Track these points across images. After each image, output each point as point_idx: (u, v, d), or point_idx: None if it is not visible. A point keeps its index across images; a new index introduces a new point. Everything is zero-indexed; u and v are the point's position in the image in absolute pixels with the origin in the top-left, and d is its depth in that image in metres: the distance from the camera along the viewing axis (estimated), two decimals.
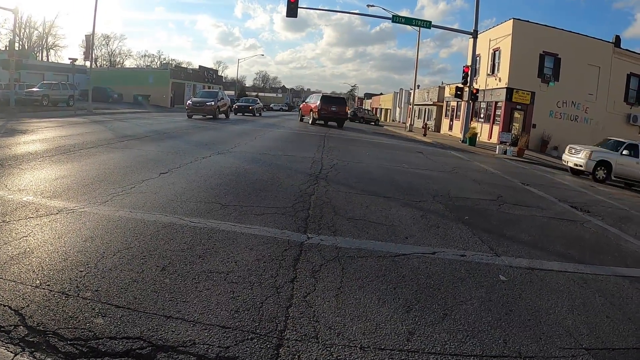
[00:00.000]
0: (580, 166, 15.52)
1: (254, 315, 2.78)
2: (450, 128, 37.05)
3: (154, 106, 38.83)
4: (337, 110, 25.87)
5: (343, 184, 7.53)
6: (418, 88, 46.46)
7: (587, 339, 3.04)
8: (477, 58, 29.12)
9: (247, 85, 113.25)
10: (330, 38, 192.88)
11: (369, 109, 71.00)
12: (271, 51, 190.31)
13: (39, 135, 11.11)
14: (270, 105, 72.13)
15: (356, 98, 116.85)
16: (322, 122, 26.44)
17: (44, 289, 2.86)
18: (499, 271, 4.16)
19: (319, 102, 25.72)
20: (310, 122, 27.17)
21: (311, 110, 27.10)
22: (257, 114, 36.94)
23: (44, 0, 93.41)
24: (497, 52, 28.36)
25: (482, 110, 30.48)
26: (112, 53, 75.93)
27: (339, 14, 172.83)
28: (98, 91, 37.18)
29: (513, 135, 23.17)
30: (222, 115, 26.69)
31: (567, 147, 16.78)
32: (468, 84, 24.68)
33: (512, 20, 26.88)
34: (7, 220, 4.15)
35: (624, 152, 15.66)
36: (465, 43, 30.69)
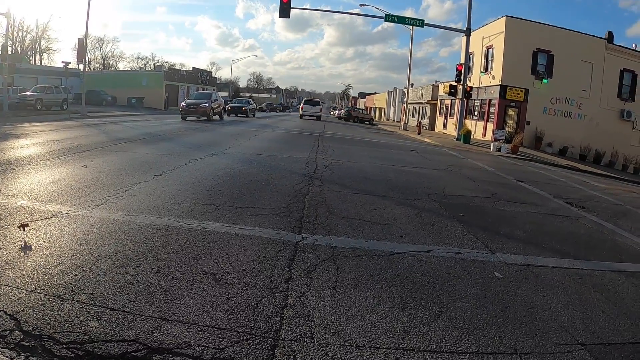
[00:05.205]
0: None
1: (249, 316, 2.78)
2: (445, 126, 37.16)
3: (148, 108, 38.73)
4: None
5: (337, 184, 7.53)
6: (412, 86, 46.55)
7: (582, 334, 3.05)
8: (471, 56, 29.25)
9: (241, 86, 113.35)
10: (331, 38, 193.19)
11: (363, 108, 71.08)
12: (270, 52, 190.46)
13: (32, 140, 11.05)
14: (274, 105, 74.12)
15: (350, 97, 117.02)
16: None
17: (39, 293, 2.85)
18: (494, 268, 4.17)
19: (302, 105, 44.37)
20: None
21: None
22: (250, 115, 36.89)
23: (37, 4, 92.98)
24: (490, 50, 28.46)
25: (476, 108, 30.60)
26: (105, 56, 75.65)
27: (341, 13, 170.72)
28: (91, 94, 37.07)
29: (507, 133, 23.24)
30: (216, 117, 26.65)
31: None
32: (462, 82, 24.75)
33: (504, 17, 26.98)
34: (2, 224, 4.13)
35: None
36: None
